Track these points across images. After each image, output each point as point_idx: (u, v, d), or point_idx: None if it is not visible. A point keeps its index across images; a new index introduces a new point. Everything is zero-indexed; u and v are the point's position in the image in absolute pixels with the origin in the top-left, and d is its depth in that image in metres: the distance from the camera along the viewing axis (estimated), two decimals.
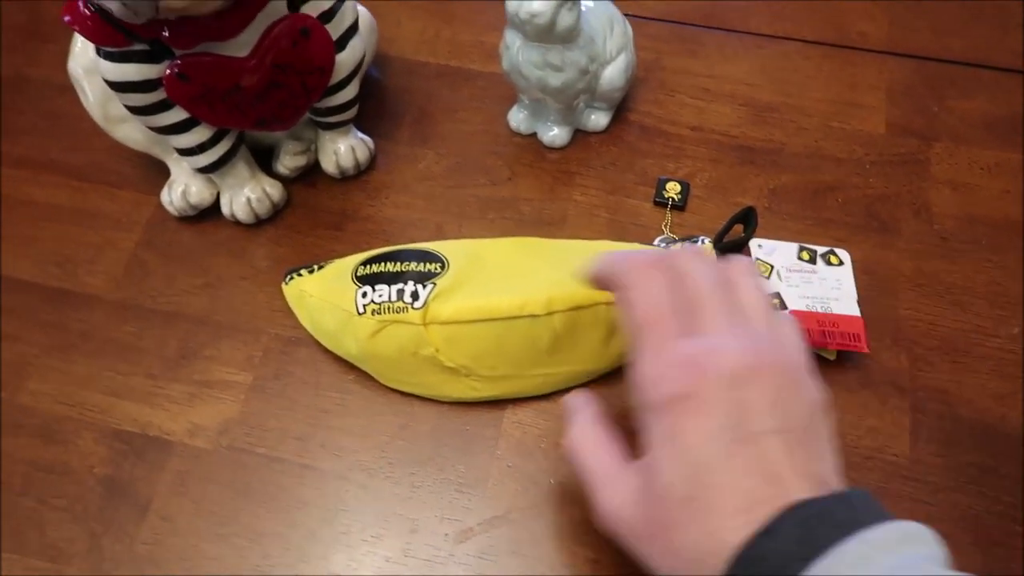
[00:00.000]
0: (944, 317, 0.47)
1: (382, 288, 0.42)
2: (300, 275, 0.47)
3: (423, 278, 0.42)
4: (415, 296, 0.42)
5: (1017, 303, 0.48)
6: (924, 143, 0.54)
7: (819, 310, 0.45)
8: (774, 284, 0.46)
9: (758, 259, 0.47)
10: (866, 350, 0.44)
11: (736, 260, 0.36)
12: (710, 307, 0.33)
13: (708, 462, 0.30)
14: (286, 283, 0.47)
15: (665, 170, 0.53)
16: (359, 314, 0.42)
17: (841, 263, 0.48)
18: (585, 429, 0.36)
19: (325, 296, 0.44)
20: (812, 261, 0.47)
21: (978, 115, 0.55)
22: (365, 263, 0.44)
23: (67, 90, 0.56)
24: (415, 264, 0.43)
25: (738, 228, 0.48)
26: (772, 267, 0.47)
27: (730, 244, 0.47)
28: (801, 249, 0.48)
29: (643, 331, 0.33)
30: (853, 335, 0.45)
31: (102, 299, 0.49)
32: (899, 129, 0.54)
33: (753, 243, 0.48)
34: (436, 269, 0.43)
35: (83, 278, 0.50)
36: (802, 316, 0.45)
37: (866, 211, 0.51)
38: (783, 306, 0.45)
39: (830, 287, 0.46)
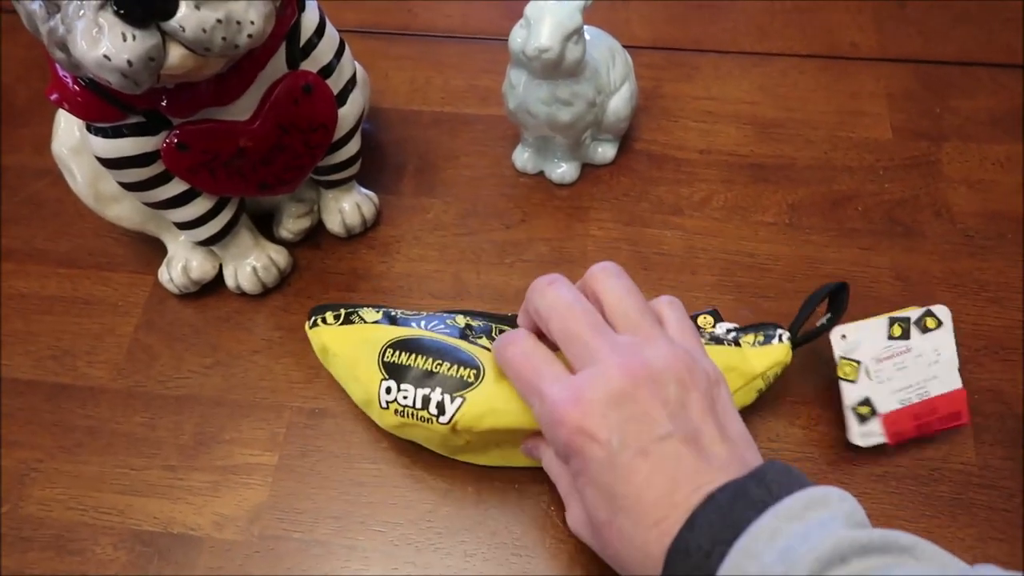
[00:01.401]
0: (985, 316, 0.46)
1: (407, 389, 0.39)
2: (325, 322, 0.43)
3: (454, 388, 0.38)
4: (441, 409, 0.38)
5: None
6: (933, 144, 0.53)
7: (915, 400, 0.40)
8: (863, 387, 0.40)
9: (842, 358, 0.41)
10: (967, 424, 0.41)
11: (592, 270, 0.37)
12: (577, 339, 0.34)
13: (612, 485, 0.31)
14: (310, 327, 0.43)
15: (679, 196, 0.52)
16: (382, 408, 0.40)
17: (940, 324, 0.41)
18: (553, 457, 0.37)
19: (350, 367, 0.41)
20: (905, 335, 0.41)
21: (981, 112, 0.55)
22: (394, 347, 0.40)
23: (45, 175, 0.54)
24: (447, 367, 0.39)
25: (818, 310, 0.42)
26: (859, 363, 0.41)
27: (809, 334, 0.41)
28: (892, 323, 0.41)
29: (520, 385, 0.35)
30: (952, 414, 0.40)
31: (106, 390, 0.46)
32: (906, 133, 0.54)
33: (835, 333, 0.41)
34: (470, 379, 0.38)
35: (83, 370, 0.46)
36: (896, 417, 0.40)
37: (887, 217, 0.50)
38: (873, 412, 0.40)
39: (927, 363, 0.41)
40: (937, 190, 0.51)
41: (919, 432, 0.41)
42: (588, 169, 0.53)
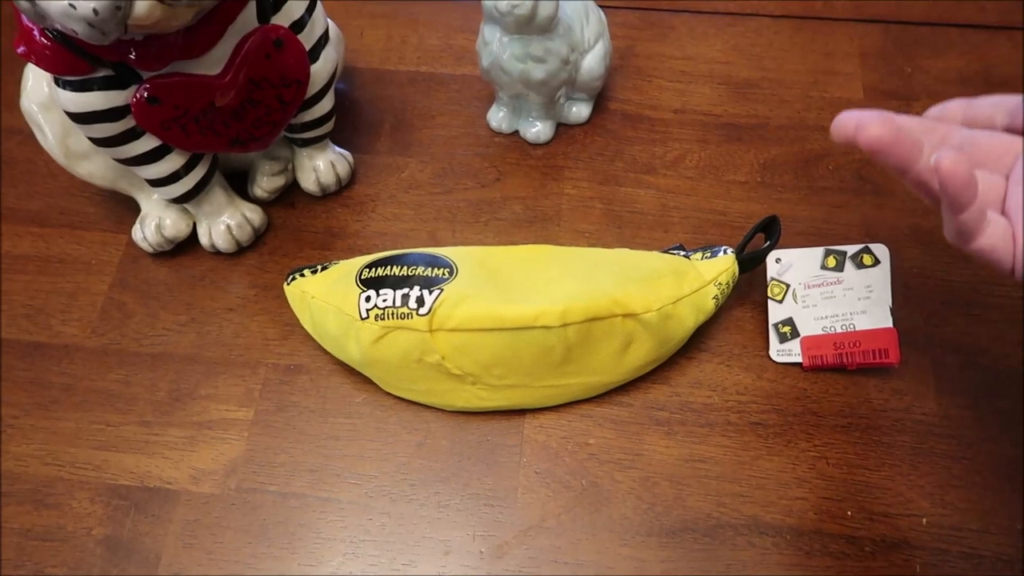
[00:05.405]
0: (949, 272, 0.47)
1: (386, 293, 0.40)
2: (303, 275, 0.44)
3: (430, 283, 0.40)
4: (420, 302, 0.40)
5: None
6: (904, 103, 0.54)
7: (839, 330, 0.42)
8: (788, 308, 0.43)
9: (773, 279, 0.44)
10: (895, 363, 0.42)
11: None
12: None
13: None
14: (288, 283, 0.45)
15: (653, 155, 0.52)
16: (362, 319, 0.40)
17: (876, 263, 0.43)
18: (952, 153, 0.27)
19: (327, 298, 0.42)
20: (839, 267, 0.43)
21: (951, 72, 0.55)
22: (370, 266, 0.42)
23: (14, 133, 0.54)
24: (422, 269, 0.41)
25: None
26: (787, 286, 0.43)
27: (752, 255, 0.44)
28: (827, 254, 0.44)
29: None
30: (879, 351, 0.42)
31: (81, 348, 0.46)
32: (878, 92, 0.54)
33: (770, 257, 0.44)
34: (444, 275, 0.41)
35: (57, 328, 0.46)
36: (814, 342, 0.42)
37: (857, 175, 0.51)
38: (795, 333, 0.42)
39: (857, 297, 0.43)
40: None
41: (839, 361, 0.42)
42: (563, 128, 0.53)
